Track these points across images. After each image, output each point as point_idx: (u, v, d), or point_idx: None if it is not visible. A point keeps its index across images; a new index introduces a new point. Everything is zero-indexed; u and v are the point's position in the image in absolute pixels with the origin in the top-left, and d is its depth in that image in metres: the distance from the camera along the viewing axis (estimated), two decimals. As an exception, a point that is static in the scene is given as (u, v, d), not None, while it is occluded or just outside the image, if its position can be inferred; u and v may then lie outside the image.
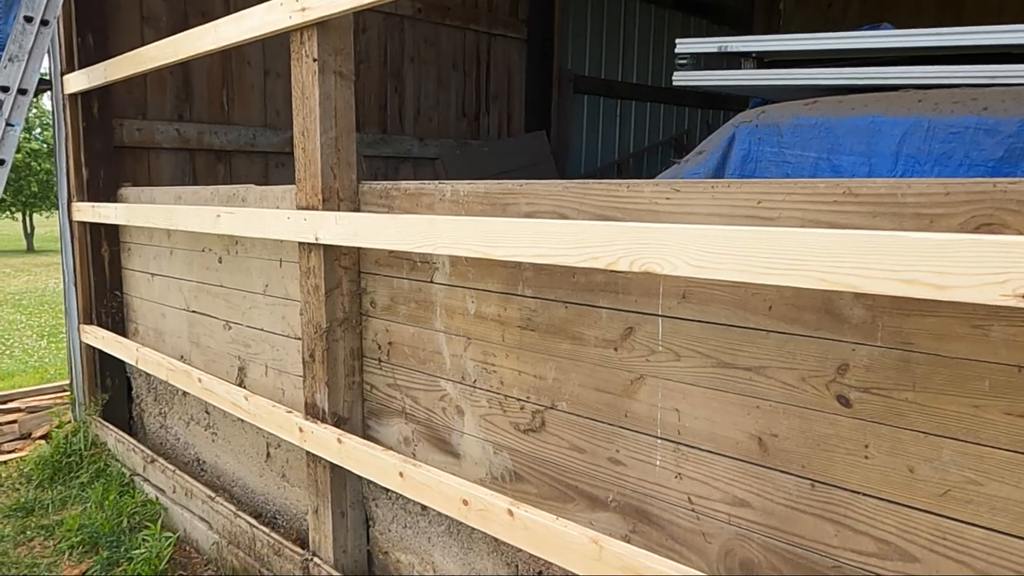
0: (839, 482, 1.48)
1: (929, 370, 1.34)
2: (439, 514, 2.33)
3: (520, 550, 2.04)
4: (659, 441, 1.76)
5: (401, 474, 2.21)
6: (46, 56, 3.50)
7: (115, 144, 4.04)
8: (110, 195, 3.97)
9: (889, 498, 1.41)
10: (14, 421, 4.94)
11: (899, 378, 1.38)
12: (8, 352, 8.62)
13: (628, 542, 1.79)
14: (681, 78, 3.15)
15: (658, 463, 1.77)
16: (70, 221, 4.13)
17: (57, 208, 4.50)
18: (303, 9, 2.28)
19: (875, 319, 1.40)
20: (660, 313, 1.72)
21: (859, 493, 1.45)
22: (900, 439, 1.39)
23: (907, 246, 1.16)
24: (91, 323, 4.10)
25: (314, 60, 2.32)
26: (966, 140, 2.00)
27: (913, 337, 1.35)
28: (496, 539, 2.10)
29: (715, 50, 3.05)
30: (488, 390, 2.15)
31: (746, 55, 3.04)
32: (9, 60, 3.17)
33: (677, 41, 3.16)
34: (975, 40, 2.41)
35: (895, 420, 1.39)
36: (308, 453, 2.61)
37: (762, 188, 1.52)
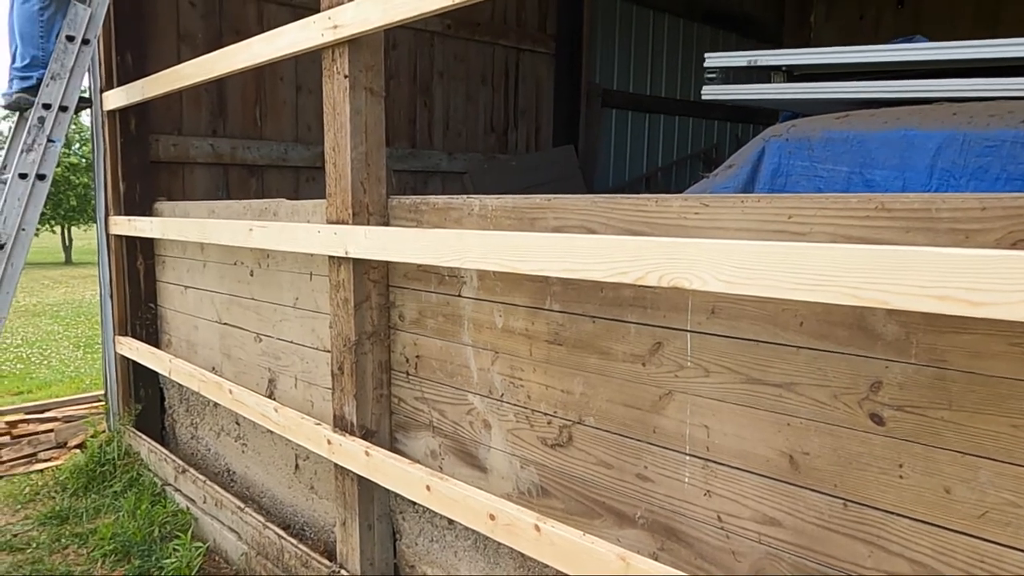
0: (872, 502, 1.45)
1: (965, 388, 1.31)
2: (466, 528, 2.32)
3: (547, 566, 2.03)
4: (688, 458, 1.75)
5: (428, 487, 2.21)
6: (86, 74, 3.60)
7: (151, 159, 4.13)
8: (146, 209, 4.06)
9: (924, 519, 1.38)
10: (51, 430, 5.04)
11: (934, 396, 1.35)
12: (46, 362, 8.81)
13: (656, 560, 1.77)
14: (710, 92, 3.14)
15: (687, 480, 1.75)
16: (107, 234, 4.23)
17: (95, 221, 4.60)
18: (335, 27, 2.32)
19: (909, 336, 1.37)
20: (689, 328, 1.71)
21: (893, 513, 1.42)
22: (935, 459, 1.36)
23: (940, 262, 1.14)
24: (126, 334, 4.18)
25: (345, 77, 2.36)
26: (1003, 154, 1.96)
27: (948, 355, 1.33)
28: (523, 554, 2.09)
29: (744, 64, 3.04)
30: (515, 404, 2.15)
31: (776, 69, 3.02)
32: (51, 78, 3.27)
33: (706, 55, 3.15)
34: (1011, 52, 2.37)
35: (930, 439, 1.36)
36: (336, 465, 2.62)
37: (793, 203, 1.51)
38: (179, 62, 3.42)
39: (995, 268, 1.08)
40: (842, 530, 1.50)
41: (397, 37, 5.24)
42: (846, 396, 1.47)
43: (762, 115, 7.03)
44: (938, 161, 2.08)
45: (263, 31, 2.76)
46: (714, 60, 3.13)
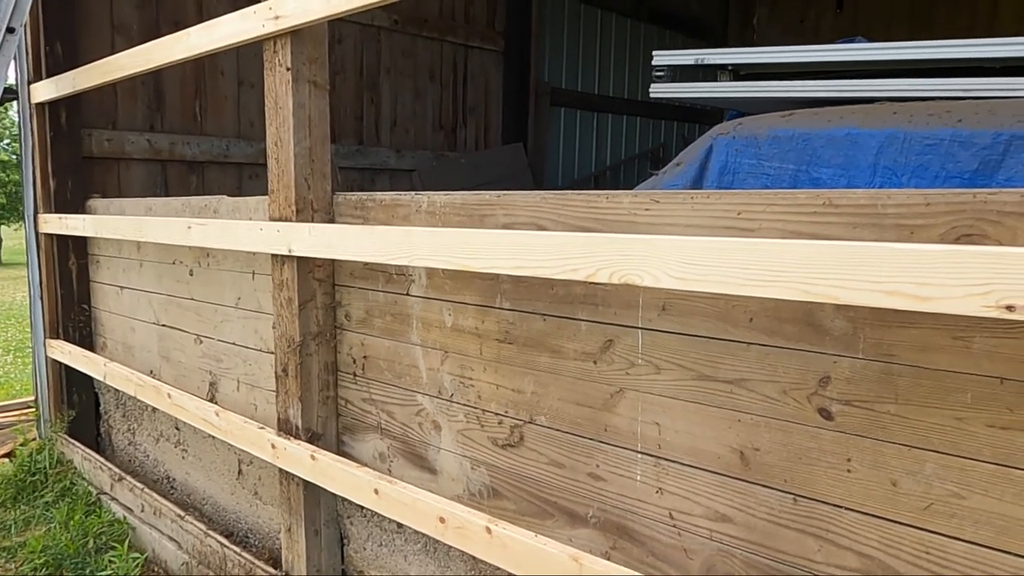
0: (821, 496, 1.46)
1: (911, 382, 1.33)
2: (415, 532, 2.28)
3: (499, 568, 2.00)
4: (639, 456, 1.74)
5: (376, 491, 2.16)
6: (12, 64, 3.42)
7: (84, 155, 3.95)
8: (78, 207, 3.89)
9: (872, 512, 1.40)
10: (-23, 439, 4.79)
11: (881, 391, 1.36)
12: (-28, 367, 8.40)
13: (608, 559, 1.76)
14: (658, 90, 3.16)
15: (639, 478, 1.74)
16: (36, 233, 4.03)
17: (24, 220, 4.39)
18: (276, 17, 2.24)
19: (857, 331, 1.38)
20: (640, 326, 1.70)
21: (842, 507, 1.43)
22: (883, 452, 1.37)
23: (889, 257, 1.14)
24: (58, 337, 4.00)
25: (288, 69, 2.28)
26: (941, 152, 2.01)
27: (895, 349, 1.34)
28: (474, 557, 2.05)
29: (692, 62, 3.06)
30: (465, 404, 2.11)
31: (722, 67, 3.05)
32: (-27, 68, 3.10)
33: (654, 53, 3.16)
34: (949, 53, 2.43)
35: (877, 433, 1.38)
36: (281, 470, 2.55)
37: (742, 199, 1.51)
38: (114, 53, 3.27)
39: (941, 263, 1.09)
40: (792, 525, 1.50)
41: (342, 31, 5.14)
42: (795, 391, 1.47)
43: (709, 116, 7.14)
44: (880, 159, 2.12)
45: (203, 22, 2.66)
46: (662, 58, 3.15)
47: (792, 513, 1.50)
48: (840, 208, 1.38)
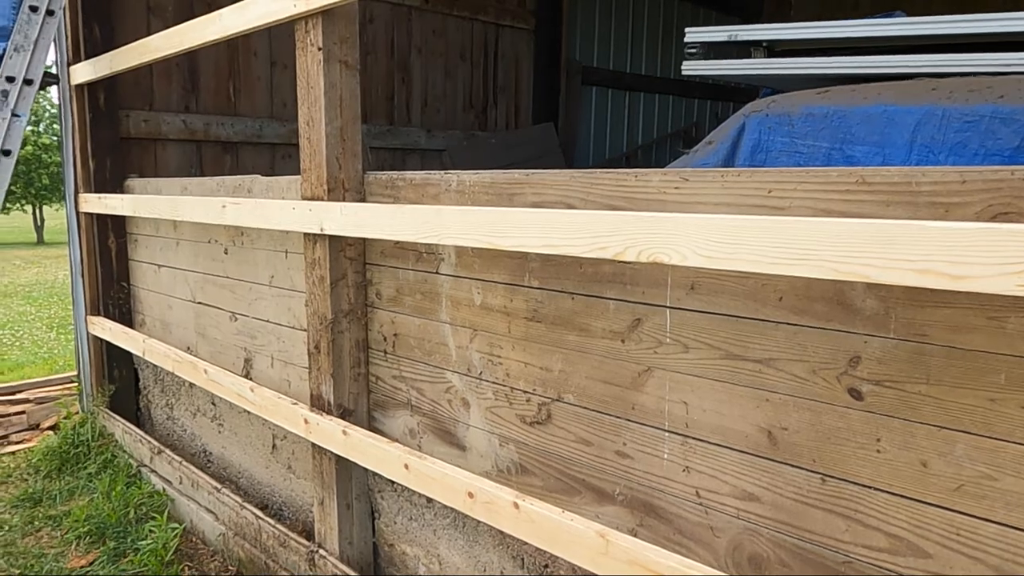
0: (850, 476, 1.45)
1: (943, 363, 1.31)
2: (444, 506, 2.31)
3: (526, 543, 2.03)
4: (667, 434, 1.74)
5: (406, 466, 2.19)
6: (52, 47, 3.49)
7: (121, 135, 4.03)
8: (116, 186, 3.97)
9: (901, 493, 1.39)
10: (23, 412, 4.96)
11: (912, 371, 1.35)
12: (18, 343, 8.66)
13: (635, 536, 1.77)
14: (690, 67, 3.11)
15: (665, 456, 1.75)
16: (77, 212, 4.14)
17: (65, 200, 4.50)
18: (308, -3, 2.26)
19: (888, 310, 1.37)
20: (668, 304, 1.70)
21: (870, 488, 1.43)
22: (913, 433, 1.36)
23: (922, 235, 1.13)
24: (98, 314, 4.10)
25: (319, 49, 2.30)
26: (981, 129, 1.96)
27: (927, 329, 1.32)
28: (502, 532, 2.08)
29: (725, 39, 3.01)
30: (494, 382, 2.13)
31: (756, 44, 3.00)
32: (15, 50, 3.17)
33: (687, 30, 3.12)
34: (991, 27, 2.36)
35: (908, 413, 1.36)
36: (313, 445, 2.60)
37: (773, 177, 1.50)
38: (149, 35, 3.32)
39: (976, 241, 1.08)
40: (820, 505, 1.50)
41: (373, 11, 5.14)
42: (825, 371, 1.46)
43: (742, 94, 7.04)
44: (917, 137, 2.07)
45: (237, 3, 2.68)
46: (695, 35, 3.10)
47: (820, 493, 1.50)
48: (873, 186, 1.36)
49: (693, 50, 3.11)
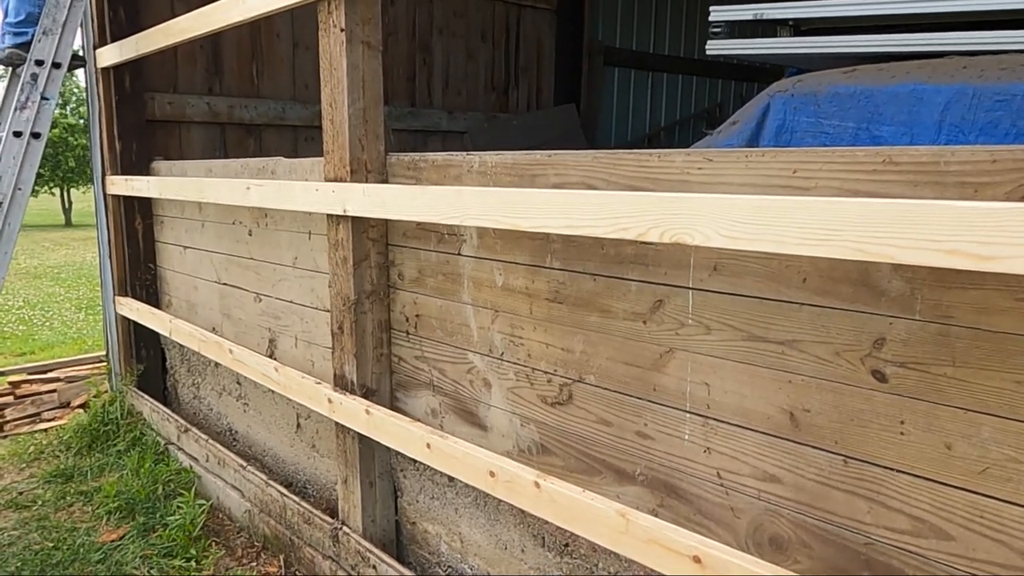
0: (873, 458, 1.45)
1: (969, 344, 1.30)
2: (466, 485, 2.34)
3: (546, 522, 2.04)
4: (688, 415, 1.74)
5: (428, 445, 2.21)
6: (79, 30, 3.53)
7: (147, 118, 4.08)
8: (143, 168, 4.02)
9: (925, 475, 1.38)
10: (54, 390, 5.07)
11: (938, 353, 1.34)
12: (48, 324, 8.83)
13: (656, 516, 1.78)
14: (715, 47, 3.08)
15: (687, 437, 1.75)
16: (104, 194, 4.20)
17: (93, 182, 4.56)
18: (330, -22, 2.26)
19: (914, 292, 1.35)
20: (691, 286, 1.69)
21: (893, 470, 1.42)
22: (937, 415, 1.35)
23: (949, 215, 1.11)
24: (126, 295, 4.17)
25: (341, 30, 2.30)
26: (1013, 108, 1.92)
27: (953, 311, 1.31)
28: (523, 511, 2.10)
29: (751, 17, 2.97)
30: (515, 363, 2.14)
31: (782, 23, 2.96)
32: (43, 34, 3.21)
33: (711, 8, 3.08)
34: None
35: (933, 396, 1.35)
36: (337, 424, 2.63)
37: (798, 157, 1.48)
38: (173, 17, 3.35)
39: (1006, 221, 1.06)
40: (842, 486, 1.50)
41: (395, -8, 5.13)
42: (848, 353, 1.45)
43: (767, 74, 6.91)
44: (947, 116, 2.03)
45: (258, -16, 2.69)
46: (720, 14, 3.06)
47: (842, 474, 1.49)
48: (900, 166, 1.34)
49: (718, 29, 3.07)
